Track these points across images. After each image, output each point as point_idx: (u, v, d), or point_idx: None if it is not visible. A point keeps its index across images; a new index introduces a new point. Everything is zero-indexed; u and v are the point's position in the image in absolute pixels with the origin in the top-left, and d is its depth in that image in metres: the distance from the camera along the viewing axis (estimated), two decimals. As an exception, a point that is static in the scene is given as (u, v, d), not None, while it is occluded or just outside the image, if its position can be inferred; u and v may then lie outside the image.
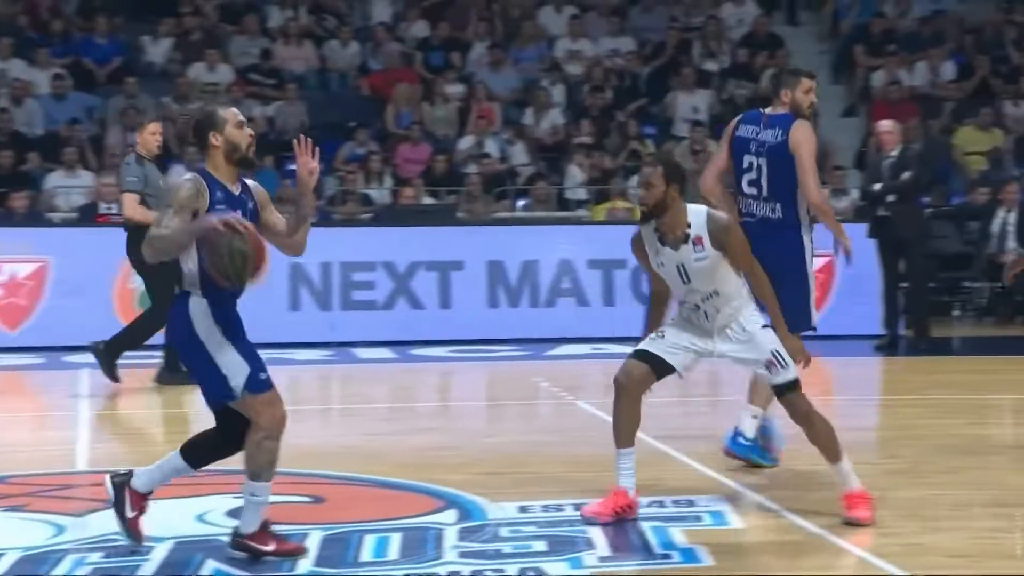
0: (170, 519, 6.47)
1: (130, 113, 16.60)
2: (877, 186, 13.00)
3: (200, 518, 6.54)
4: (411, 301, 14.03)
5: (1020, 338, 14.59)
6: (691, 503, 6.76)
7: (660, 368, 6.42)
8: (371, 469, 7.43)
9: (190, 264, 5.70)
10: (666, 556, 5.88)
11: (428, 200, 16.14)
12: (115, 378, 11.01)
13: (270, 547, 5.79)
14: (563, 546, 5.98)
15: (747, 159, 7.64)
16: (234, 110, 5.92)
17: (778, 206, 7.55)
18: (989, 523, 6.43)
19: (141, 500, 5.96)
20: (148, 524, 6.36)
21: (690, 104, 17.86)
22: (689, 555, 5.88)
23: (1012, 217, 15.34)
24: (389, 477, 7.45)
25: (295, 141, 5.97)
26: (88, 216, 14.57)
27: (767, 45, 18.77)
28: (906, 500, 7.00)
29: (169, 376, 11.01)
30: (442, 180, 16.49)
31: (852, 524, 6.23)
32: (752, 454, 7.67)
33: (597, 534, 6.16)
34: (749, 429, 7.65)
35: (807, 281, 7.60)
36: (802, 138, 7.54)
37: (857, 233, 13.85)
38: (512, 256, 14.17)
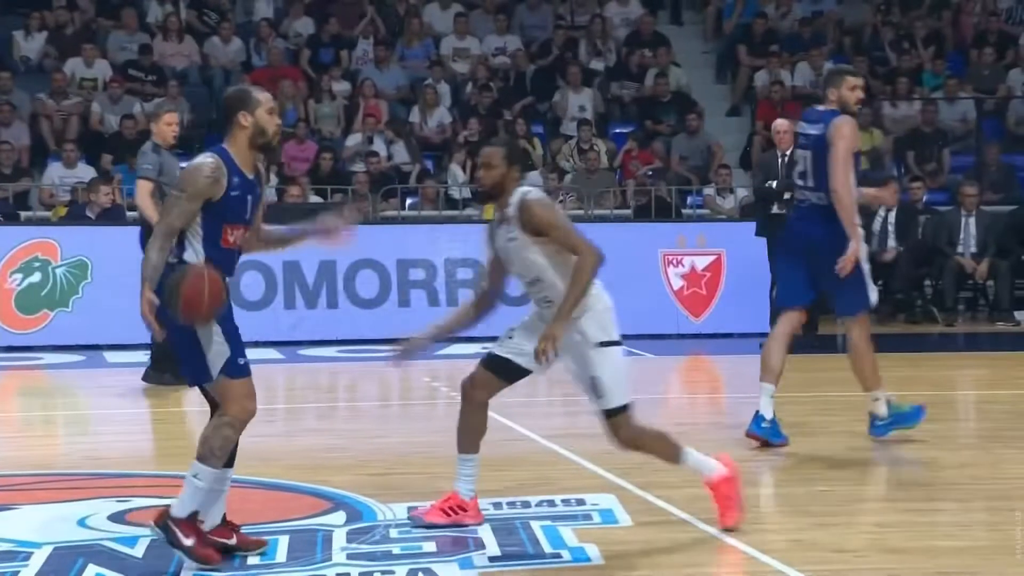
0: (50, 524, 6.35)
1: (4, 109, 16.21)
2: (773, 183, 13.06)
3: (82, 523, 6.41)
4: (298, 301, 13.90)
5: (902, 335, 14.83)
6: (581, 502, 6.75)
7: (509, 372, 6.12)
8: (258, 471, 7.32)
9: (190, 238, 5.58)
10: (556, 555, 5.88)
11: (315, 199, 15.96)
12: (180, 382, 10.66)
13: (189, 540, 5.59)
14: (453, 547, 5.95)
15: (798, 152, 8.31)
16: (268, 95, 5.74)
17: (823, 195, 8.07)
18: (874, 518, 6.51)
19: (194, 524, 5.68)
20: (26, 529, 6.22)
21: (577, 103, 17.91)
22: (580, 554, 5.87)
23: (892, 216, 15.59)
24: (277, 479, 7.35)
25: (345, 207, 5.79)
26: (-36, 214, 14.24)
27: (652, 44, 18.89)
28: (792, 496, 7.08)
29: (155, 376, 10.68)
30: (328, 178, 16.34)
31: (730, 531, 6.17)
32: (896, 426, 8.26)
33: (487, 534, 6.12)
34: (882, 409, 8.22)
35: (855, 264, 8.03)
36: (840, 132, 8.01)
37: (745, 232, 14.05)
38: (401, 255, 14.09)
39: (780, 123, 13.44)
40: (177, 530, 5.58)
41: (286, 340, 13.57)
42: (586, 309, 5.96)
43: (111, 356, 12.47)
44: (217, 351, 5.58)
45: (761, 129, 17.87)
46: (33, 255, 13.19)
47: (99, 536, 6.13)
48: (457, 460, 6.26)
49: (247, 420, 5.67)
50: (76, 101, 16.84)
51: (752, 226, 13.59)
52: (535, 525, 6.28)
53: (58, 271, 13.21)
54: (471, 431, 6.22)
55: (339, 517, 6.47)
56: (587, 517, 6.48)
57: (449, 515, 6.20)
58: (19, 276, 13.18)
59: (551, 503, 6.70)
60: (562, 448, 8.20)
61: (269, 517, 6.46)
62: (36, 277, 13.17)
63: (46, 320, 13.14)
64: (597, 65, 18.68)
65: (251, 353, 5.76)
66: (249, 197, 5.69)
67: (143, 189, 10.53)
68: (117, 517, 6.42)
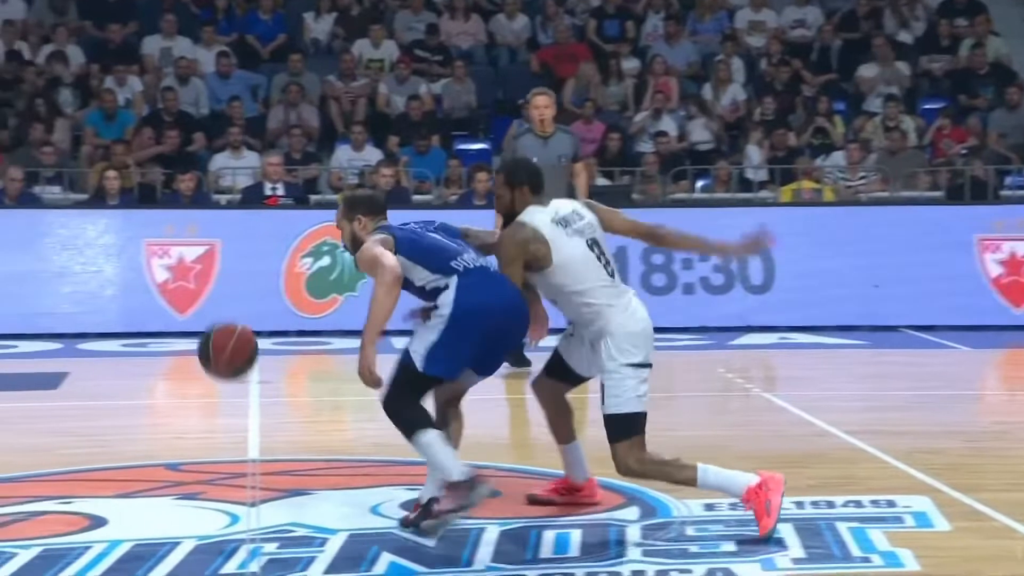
0: (344, 510, 6.39)
1: (294, 90, 16.33)
2: None
3: (375, 510, 6.42)
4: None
5: None
6: (891, 503, 6.43)
7: (570, 376, 6.38)
8: (547, 462, 7.12)
9: None
10: (866, 559, 5.60)
11: (602, 181, 15.65)
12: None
13: None
14: (753, 547, 5.75)
15: None
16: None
17: None
18: None
19: None
20: (321, 515, 6.21)
21: (883, 77, 17.11)
22: (892, 559, 5.60)
23: None
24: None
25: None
26: (255, 197, 14.40)
27: (967, 12, 17.88)
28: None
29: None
30: (616, 160, 16.03)
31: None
32: None
33: (790, 534, 5.87)
34: None
35: None
36: None
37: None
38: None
39: None
40: None
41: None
42: (603, 332, 6.09)
43: (398, 342, 12.45)
44: None
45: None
46: (323, 239, 13.31)
47: (392, 524, 6.12)
48: (560, 452, 6.44)
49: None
50: (363, 83, 16.98)
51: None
52: (841, 527, 6.02)
53: (346, 255, 13.28)
54: (556, 424, 6.43)
55: (633, 512, 6.33)
56: (899, 520, 6.16)
57: (563, 495, 6.40)
58: (309, 260, 13.34)
59: (858, 503, 6.41)
60: (867, 445, 7.81)
61: (561, 510, 6.33)
62: (325, 261, 13.30)
63: (335, 304, 13.26)
64: (905, 37, 17.83)
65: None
66: None
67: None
68: (409, 506, 6.36)
